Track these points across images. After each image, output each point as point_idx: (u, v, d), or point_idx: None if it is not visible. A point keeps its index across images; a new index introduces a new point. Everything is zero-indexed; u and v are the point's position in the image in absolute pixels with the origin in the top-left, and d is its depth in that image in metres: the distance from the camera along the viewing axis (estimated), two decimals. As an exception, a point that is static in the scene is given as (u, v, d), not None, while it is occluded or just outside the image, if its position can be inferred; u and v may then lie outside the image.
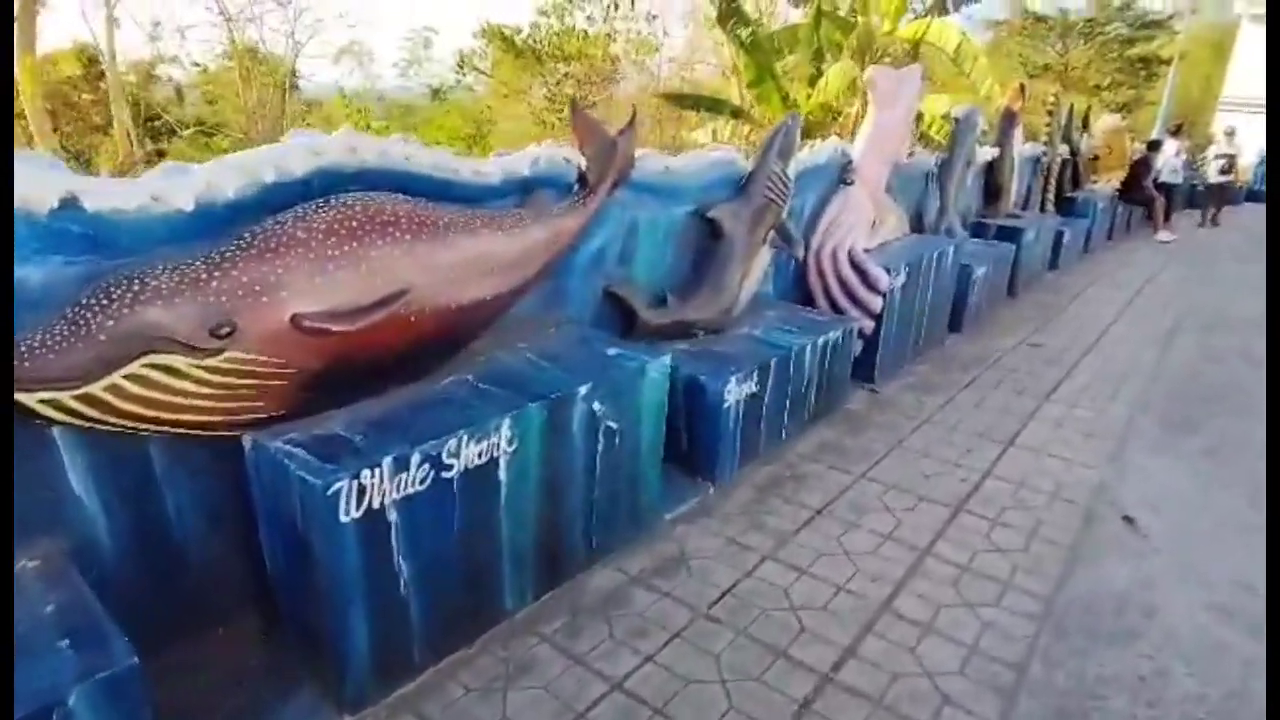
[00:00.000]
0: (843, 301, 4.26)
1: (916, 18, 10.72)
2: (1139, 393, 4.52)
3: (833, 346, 3.68)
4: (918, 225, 5.58)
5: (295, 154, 1.78)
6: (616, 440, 2.38)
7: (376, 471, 1.68)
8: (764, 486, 3.20)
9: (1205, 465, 3.62)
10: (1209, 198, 11.98)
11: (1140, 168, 10.70)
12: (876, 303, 4.18)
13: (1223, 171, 11.64)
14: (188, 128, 17.40)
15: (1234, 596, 2.61)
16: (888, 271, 4.17)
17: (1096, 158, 10.35)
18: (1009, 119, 6.92)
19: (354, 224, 1.75)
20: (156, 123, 17.74)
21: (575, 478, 2.28)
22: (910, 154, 5.07)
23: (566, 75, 17.78)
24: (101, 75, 15.50)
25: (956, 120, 5.77)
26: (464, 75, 20.84)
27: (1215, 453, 3.76)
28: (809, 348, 3.50)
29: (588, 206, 2.56)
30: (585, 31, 18.52)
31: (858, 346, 4.22)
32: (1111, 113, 13.26)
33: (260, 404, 1.72)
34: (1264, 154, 15.21)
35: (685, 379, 3.01)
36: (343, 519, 1.64)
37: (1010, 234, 6.65)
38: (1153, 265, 8.54)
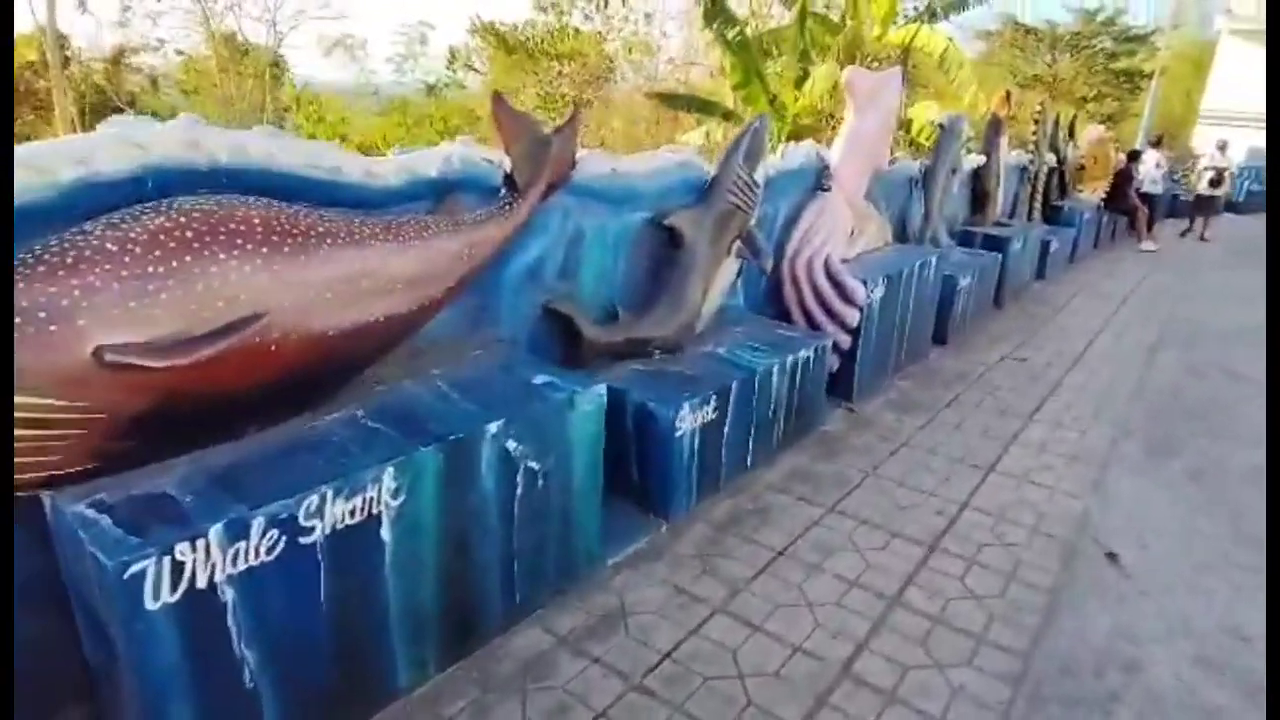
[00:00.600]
0: (818, 315, 3.97)
1: (907, 22, 10.52)
2: (1122, 412, 4.28)
3: (805, 366, 3.39)
4: (901, 234, 5.32)
5: (106, 148, 1.44)
6: (540, 481, 2.06)
7: (199, 544, 1.35)
8: (722, 524, 2.90)
9: (1188, 490, 3.44)
10: (1196, 209, 11.77)
11: (1122, 178, 10.55)
12: (852, 316, 3.90)
13: (1212, 184, 11.48)
14: (162, 117, 16.82)
15: (1223, 647, 2.38)
16: (865, 284, 3.88)
17: (1082, 167, 10.18)
18: (995, 127, 6.69)
19: (188, 234, 1.42)
20: (127, 113, 17.18)
21: (489, 527, 1.96)
22: (892, 160, 4.79)
23: (560, 74, 17.44)
24: (68, 61, 14.96)
25: (941, 127, 5.52)
26: (455, 72, 20.46)
27: (1198, 477, 3.57)
28: (777, 368, 3.20)
29: (515, 213, 2.25)
30: (578, 29, 18.17)
31: (834, 362, 3.94)
32: (1096, 123, 13.10)
33: (54, 459, 1.37)
34: (1244, 166, 15.10)
35: (635, 405, 2.69)
36: (150, 606, 1.31)
37: (996, 243, 6.41)
38: (1137, 275, 8.35)
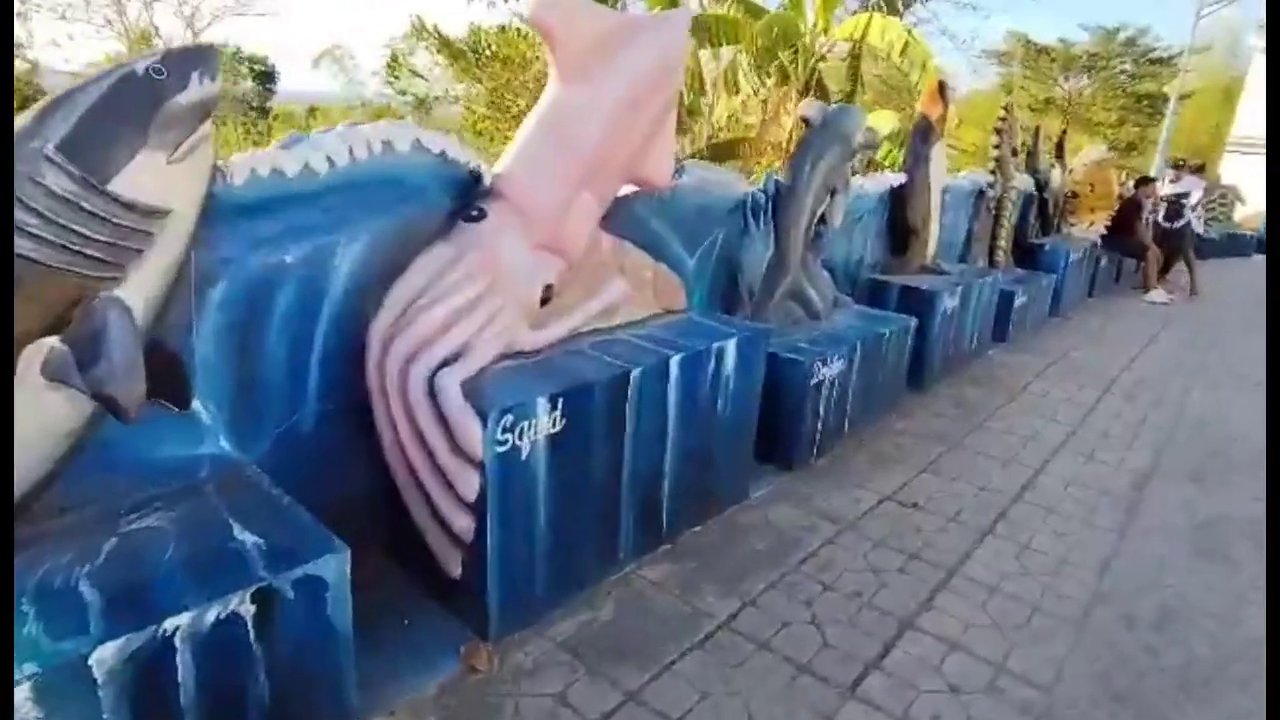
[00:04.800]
0: (423, 473, 1.99)
1: (861, 10, 8.61)
2: (1065, 652, 2.22)
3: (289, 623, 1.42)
4: (729, 294, 3.33)
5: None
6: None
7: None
8: None
9: None
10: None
11: (1130, 210, 8.46)
12: (468, 485, 1.91)
13: (1169, 216, 9.05)
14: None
15: None
16: (502, 415, 1.90)
17: (1074, 195, 8.13)
18: (923, 132, 4.71)
19: None
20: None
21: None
22: (678, 173, 2.82)
23: (515, 82, 15.70)
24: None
25: (806, 123, 3.53)
26: (397, 78, 18.88)
27: None
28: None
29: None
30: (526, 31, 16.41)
31: (456, 568, 1.96)
32: (1097, 144, 11.00)
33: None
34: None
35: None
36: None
37: (918, 301, 4.39)
38: (1139, 338, 6.24)
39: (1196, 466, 3.70)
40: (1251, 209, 13.73)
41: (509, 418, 1.89)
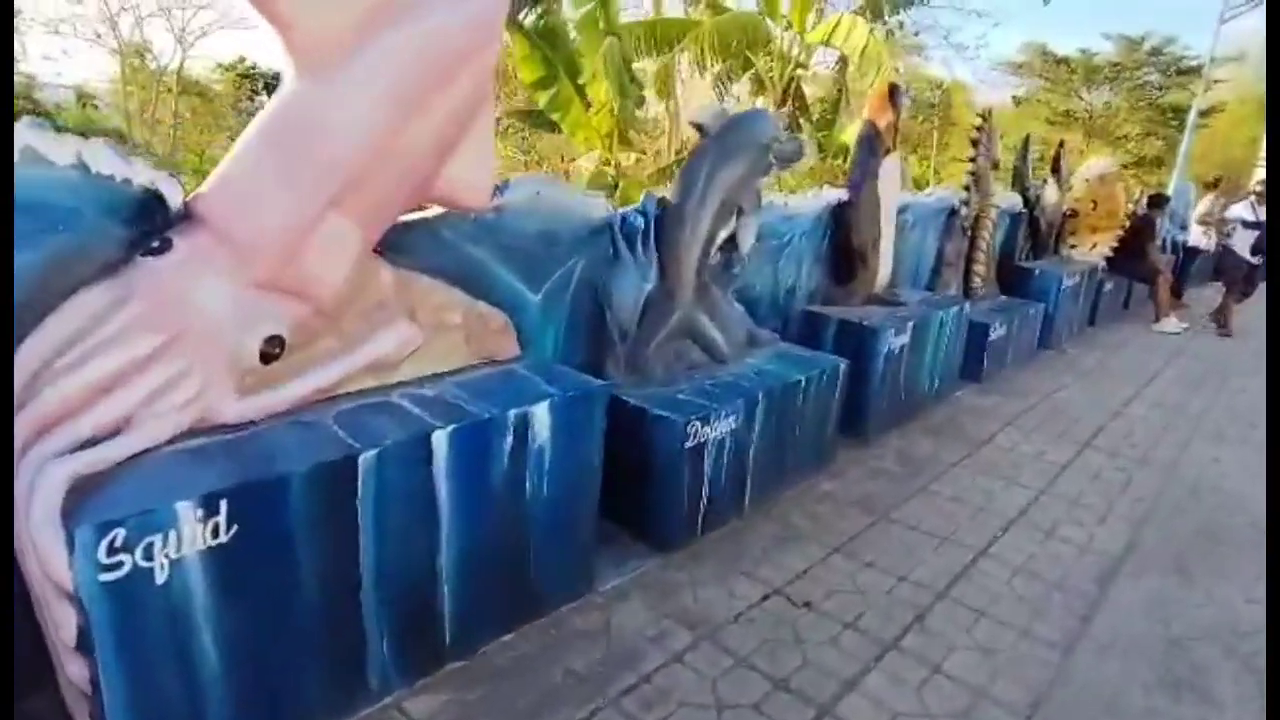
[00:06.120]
0: (40, 616, 1.46)
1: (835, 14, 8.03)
2: None
3: None
4: (596, 337, 2.77)
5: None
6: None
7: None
8: None
9: None
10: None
11: (1140, 230, 7.74)
12: (65, 625, 1.37)
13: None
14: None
15: None
16: (77, 536, 1.36)
17: (1074, 213, 7.44)
18: (869, 144, 4.11)
19: None
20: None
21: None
22: (500, 190, 2.27)
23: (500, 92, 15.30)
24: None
25: (700, 129, 2.96)
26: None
27: None
28: None
29: None
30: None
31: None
32: (1101, 156, 10.27)
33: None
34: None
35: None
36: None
37: (857, 337, 3.79)
38: (1136, 377, 5.54)
39: (1181, 549, 3.03)
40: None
41: (119, 534, 1.35)
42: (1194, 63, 24.20)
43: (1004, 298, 5.95)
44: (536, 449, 2.02)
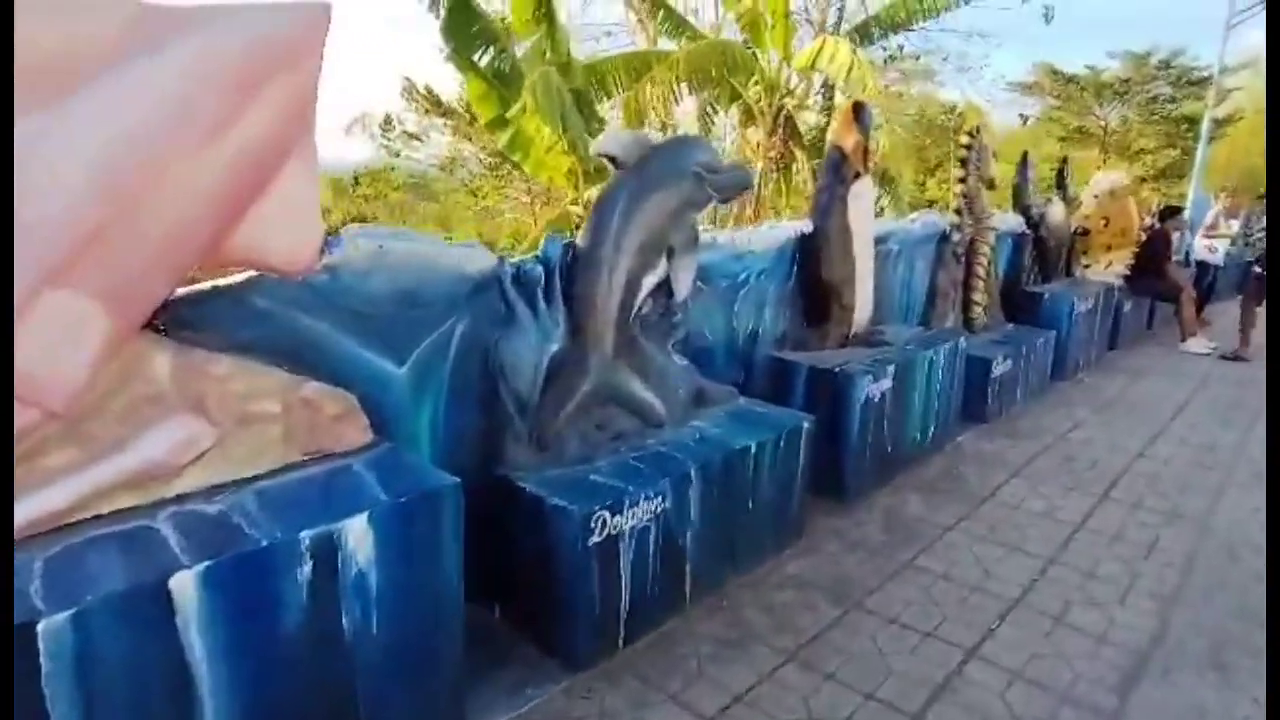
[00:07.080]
0: None
1: (820, 36, 7.71)
2: None
3: None
4: (489, 411, 2.34)
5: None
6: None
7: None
8: None
9: None
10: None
11: (1157, 245, 7.19)
12: None
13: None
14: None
15: None
16: None
17: (1085, 231, 6.93)
18: (834, 168, 3.69)
19: None
20: None
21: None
22: (330, 246, 1.88)
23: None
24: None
25: (612, 161, 2.56)
26: (392, 142, 18.77)
27: None
28: None
29: None
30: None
31: None
32: (1110, 171, 9.76)
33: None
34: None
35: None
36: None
37: (828, 385, 3.32)
38: (1161, 411, 4.94)
39: (1219, 638, 2.47)
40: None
41: None
42: (1204, 74, 23.64)
43: (1011, 326, 5.44)
44: (354, 577, 1.57)
